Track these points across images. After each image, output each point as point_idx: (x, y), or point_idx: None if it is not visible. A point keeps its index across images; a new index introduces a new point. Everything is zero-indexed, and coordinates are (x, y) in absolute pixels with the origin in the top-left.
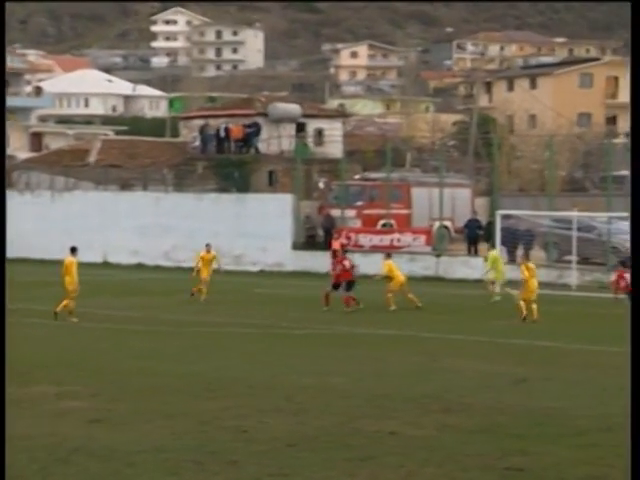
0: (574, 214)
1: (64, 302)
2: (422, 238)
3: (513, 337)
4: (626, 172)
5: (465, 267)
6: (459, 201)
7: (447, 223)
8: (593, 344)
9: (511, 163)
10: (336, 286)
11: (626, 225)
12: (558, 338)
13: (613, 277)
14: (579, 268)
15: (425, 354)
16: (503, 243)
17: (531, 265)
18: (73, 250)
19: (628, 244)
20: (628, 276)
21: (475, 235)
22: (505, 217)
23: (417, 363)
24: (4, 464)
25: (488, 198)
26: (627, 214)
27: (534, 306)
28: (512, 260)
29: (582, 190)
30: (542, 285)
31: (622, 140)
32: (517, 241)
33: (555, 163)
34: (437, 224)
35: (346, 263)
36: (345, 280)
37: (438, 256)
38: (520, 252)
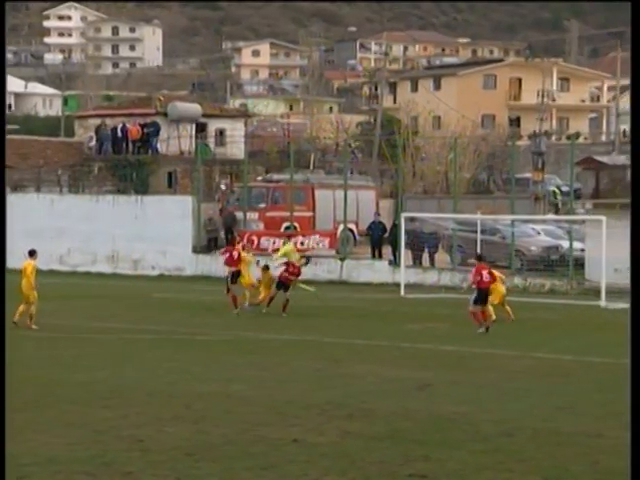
0: (478, 217)
1: (20, 308)
2: (326, 241)
3: (417, 342)
4: (529, 174)
5: (369, 270)
6: (363, 203)
7: (351, 226)
8: (496, 348)
9: (416, 165)
10: (284, 287)
11: (529, 228)
12: (462, 342)
13: (472, 273)
14: None
15: (328, 359)
16: (408, 246)
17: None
18: (31, 253)
19: (532, 247)
20: (485, 273)
21: (379, 238)
22: (410, 220)
23: (319, 369)
24: (4, 464)
25: (393, 200)
26: (531, 217)
27: (493, 306)
28: (419, 263)
29: (486, 192)
30: (447, 289)
31: (525, 142)
32: (422, 244)
33: (459, 165)
34: (341, 227)
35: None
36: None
37: (342, 259)
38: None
